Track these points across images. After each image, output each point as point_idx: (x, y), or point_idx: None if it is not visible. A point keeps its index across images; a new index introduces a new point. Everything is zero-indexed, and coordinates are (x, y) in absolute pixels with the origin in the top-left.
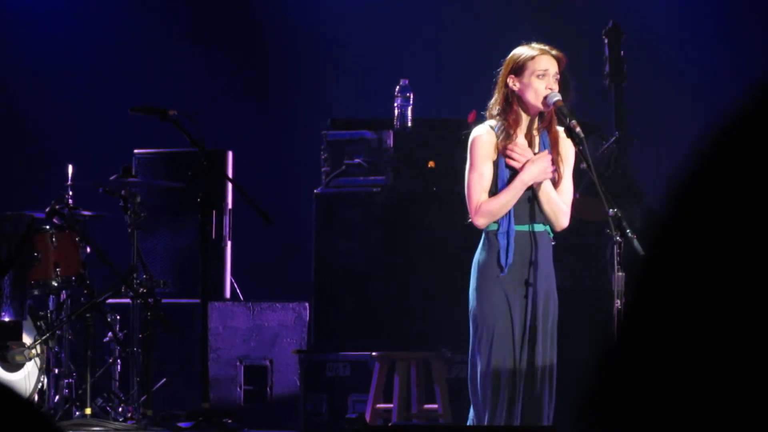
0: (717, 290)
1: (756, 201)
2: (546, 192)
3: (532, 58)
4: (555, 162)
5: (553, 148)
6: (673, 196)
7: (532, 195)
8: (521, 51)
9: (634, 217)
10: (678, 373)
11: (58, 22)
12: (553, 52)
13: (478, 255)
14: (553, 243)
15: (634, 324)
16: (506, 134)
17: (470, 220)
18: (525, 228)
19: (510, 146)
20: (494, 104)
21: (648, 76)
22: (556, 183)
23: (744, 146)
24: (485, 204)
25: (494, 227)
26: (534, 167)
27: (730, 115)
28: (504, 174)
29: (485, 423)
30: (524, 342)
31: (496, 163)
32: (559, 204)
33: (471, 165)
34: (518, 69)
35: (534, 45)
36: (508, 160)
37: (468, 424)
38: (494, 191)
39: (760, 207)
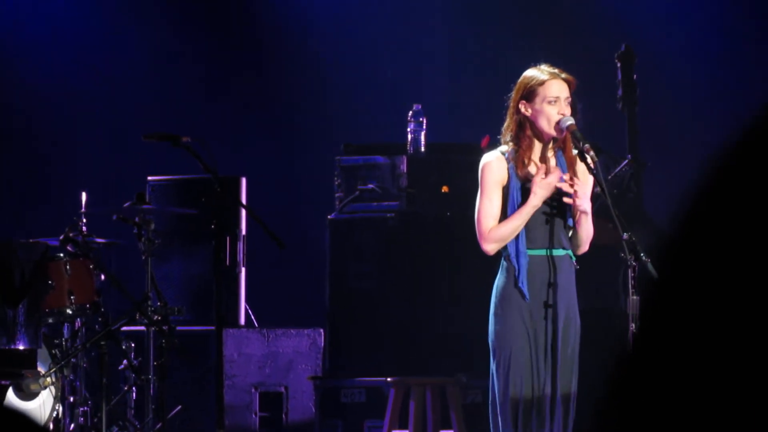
0: (729, 310)
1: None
2: (588, 216)
3: (543, 83)
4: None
5: (570, 169)
6: (684, 217)
7: (549, 219)
8: (531, 75)
9: (639, 240)
10: (693, 396)
11: (71, 50)
12: (563, 75)
13: (496, 281)
14: (577, 267)
15: (648, 347)
16: (520, 160)
17: (480, 246)
18: (542, 252)
19: (536, 182)
20: (506, 130)
21: (660, 99)
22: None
23: (754, 167)
24: (494, 230)
25: (507, 252)
26: (540, 190)
27: (740, 135)
28: (515, 200)
29: None
30: (546, 366)
31: (506, 189)
32: (591, 229)
33: (481, 191)
34: (529, 94)
35: (543, 68)
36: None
37: None
38: (504, 217)
39: None
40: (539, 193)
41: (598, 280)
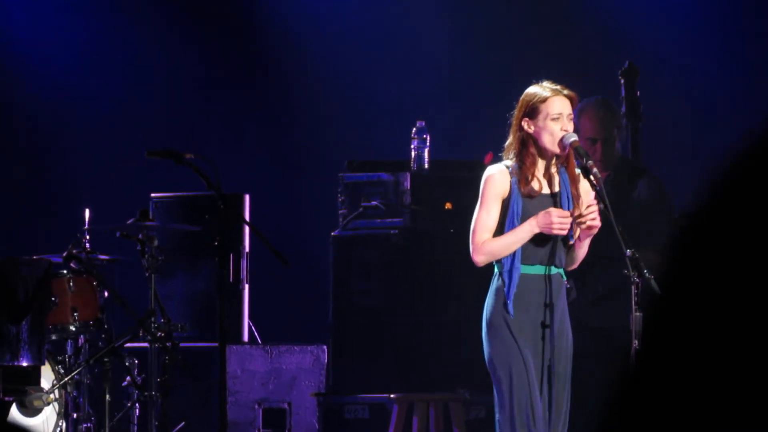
0: (732, 324)
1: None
2: (590, 238)
3: (545, 100)
4: (575, 200)
5: (572, 184)
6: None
7: (552, 237)
8: (533, 93)
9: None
10: (696, 411)
11: (75, 66)
12: (565, 92)
13: (487, 299)
14: (567, 286)
15: (651, 363)
16: (523, 176)
17: (471, 257)
18: (539, 270)
19: (559, 221)
20: (509, 147)
21: (664, 114)
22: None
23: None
24: (488, 243)
25: (500, 267)
26: (543, 218)
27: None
28: (514, 213)
29: None
30: (542, 384)
31: (507, 202)
32: (587, 248)
33: (480, 202)
34: (531, 112)
35: (545, 85)
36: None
37: None
38: (500, 231)
39: None
40: (545, 219)
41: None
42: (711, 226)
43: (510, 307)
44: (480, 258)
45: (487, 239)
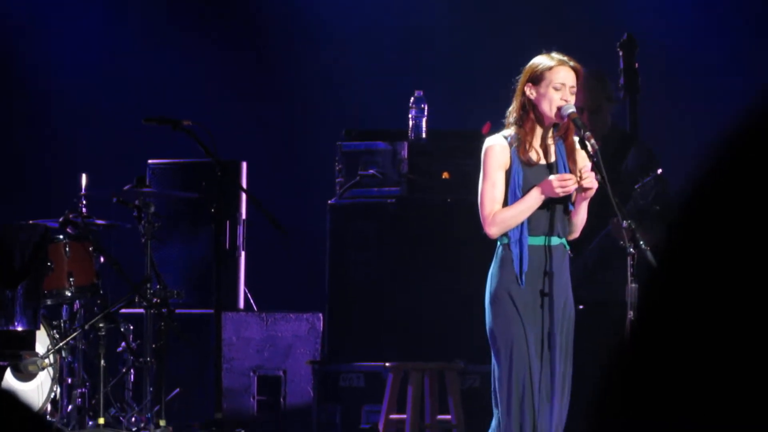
0: (729, 298)
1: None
2: (586, 203)
3: (550, 68)
4: (572, 172)
5: (569, 157)
6: (686, 203)
7: (551, 207)
8: (540, 60)
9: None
10: (690, 384)
11: (70, 33)
12: (572, 63)
13: (491, 270)
14: (571, 255)
15: (646, 334)
16: (522, 144)
17: (483, 230)
18: (540, 241)
19: (560, 183)
20: (512, 112)
21: (663, 86)
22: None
23: (758, 152)
24: (499, 213)
25: (506, 239)
26: (547, 184)
27: (741, 121)
28: (516, 184)
29: (510, 427)
30: (542, 353)
31: (508, 173)
32: (585, 215)
33: (484, 174)
34: (536, 78)
35: (554, 55)
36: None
37: None
38: (506, 201)
39: None
40: (549, 193)
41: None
42: (711, 199)
43: (522, 279)
44: (493, 230)
45: (498, 210)
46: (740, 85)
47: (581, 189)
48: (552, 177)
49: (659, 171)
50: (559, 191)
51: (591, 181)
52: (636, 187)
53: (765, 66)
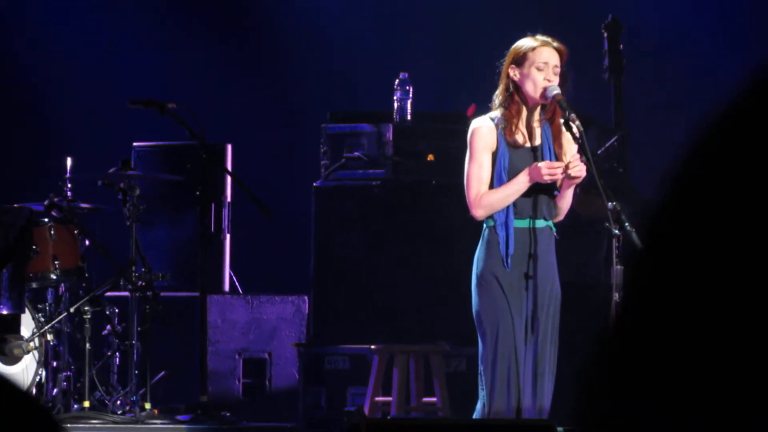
0: (715, 282)
1: (754, 193)
2: (572, 189)
3: (533, 49)
4: (557, 155)
5: (555, 140)
6: (669, 186)
7: (537, 190)
8: (523, 42)
9: (625, 214)
10: (677, 367)
11: (57, 15)
12: (555, 44)
13: (477, 252)
14: (557, 237)
15: (632, 316)
16: (509, 126)
17: (469, 212)
18: (525, 224)
19: (548, 171)
20: (498, 94)
21: (647, 68)
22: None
23: (742, 135)
24: (485, 196)
25: (492, 222)
26: (534, 170)
27: (727, 105)
28: (502, 166)
29: (495, 409)
30: (528, 336)
31: (495, 155)
32: (571, 198)
33: (470, 156)
34: (519, 59)
35: (538, 37)
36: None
37: (475, 416)
38: (492, 184)
39: (757, 199)
40: (537, 179)
41: (580, 255)
42: (695, 180)
43: (508, 262)
44: (480, 212)
45: (485, 192)
46: (728, 65)
47: (569, 176)
48: (541, 164)
49: (620, 133)
50: (548, 179)
51: (579, 170)
52: (599, 152)
53: (756, 46)
